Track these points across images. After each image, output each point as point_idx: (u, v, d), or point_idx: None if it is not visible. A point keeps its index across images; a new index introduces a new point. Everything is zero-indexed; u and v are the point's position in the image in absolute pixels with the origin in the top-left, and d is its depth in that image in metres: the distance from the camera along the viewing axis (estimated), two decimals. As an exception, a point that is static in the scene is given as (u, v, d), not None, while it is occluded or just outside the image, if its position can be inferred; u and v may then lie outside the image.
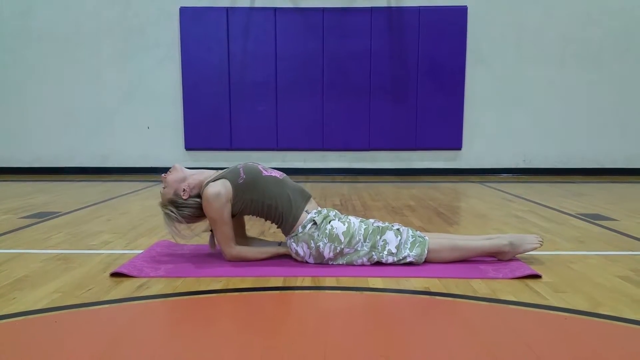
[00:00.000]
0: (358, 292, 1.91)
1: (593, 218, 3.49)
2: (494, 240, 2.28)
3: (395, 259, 2.21)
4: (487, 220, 3.48)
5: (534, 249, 2.29)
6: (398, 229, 2.27)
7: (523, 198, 4.53)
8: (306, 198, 2.32)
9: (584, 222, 3.36)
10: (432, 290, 1.92)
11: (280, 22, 6.61)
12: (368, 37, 6.60)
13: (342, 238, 2.20)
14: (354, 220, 2.27)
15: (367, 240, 2.22)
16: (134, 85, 6.79)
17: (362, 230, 2.23)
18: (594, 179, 6.37)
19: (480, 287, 1.95)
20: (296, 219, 2.25)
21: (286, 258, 2.34)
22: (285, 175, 2.38)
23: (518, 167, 6.88)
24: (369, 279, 2.05)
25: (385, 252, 2.21)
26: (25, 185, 5.55)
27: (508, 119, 6.80)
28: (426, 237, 2.26)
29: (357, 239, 2.21)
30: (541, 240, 2.32)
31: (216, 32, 6.61)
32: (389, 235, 2.23)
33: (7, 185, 5.60)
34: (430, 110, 6.67)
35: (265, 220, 2.32)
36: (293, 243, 2.26)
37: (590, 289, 1.94)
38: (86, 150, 6.88)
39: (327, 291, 1.92)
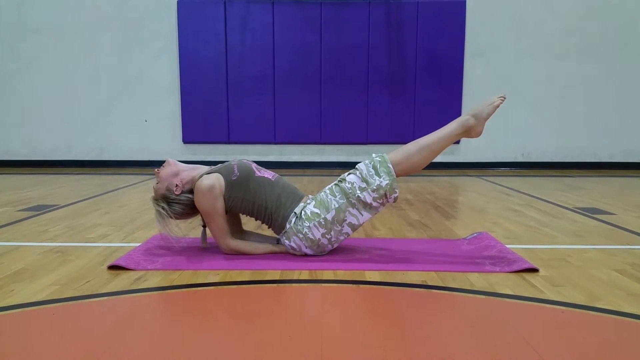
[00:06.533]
0: (355, 286, 1.91)
1: (591, 212, 3.49)
2: (455, 121, 2.24)
3: (371, 192, 2.15)
4: (484, 213, 3.48)
5: (498, 105, 2.20)
6: (355, 168, 2.25)
7: (521, 192, 4.54)
8: (299, 198, 2.30)
9: (582, 216, 3.37)
10: (429, 283, 1.92)
11: (278, 15, 6.58)
12: (366, 31, 6.59)
13: (317, 210, 2.20)
14: (321, 192, 2.28)
15: (337, 194, 2.20)
16: (132, 78, 6.77)
17: (328, 191, 2.24)
18: (592, 172, 6.38)
19: (477, 280, 1.95)
20: (285, 219, 2.25)
21: (284, 252, 2.34)
22: (278, 176, 2.37)
23: (516, 161, 6.89)
24: (365, 272, 2.05)
25: (358, 191, 2.16)
26: (22, 178, 5.53)
27: (506, 112, 6.72)
28: (383, 155, 2.22)
29: (328, 199, 2.21)
30: (502, 95, 2.22)
31: (214, 25, 6.58)
32: (351, 177, 2.21)
33: (4, 178, 5.59)
34: (428, 104, 6.66)
35: (255, 219, 2.32)
36: (285, 240, 2.26)
37: (588, 282, 1.94)
38: (83, 143, 6.86)
39: (324, 284, 1.92)
